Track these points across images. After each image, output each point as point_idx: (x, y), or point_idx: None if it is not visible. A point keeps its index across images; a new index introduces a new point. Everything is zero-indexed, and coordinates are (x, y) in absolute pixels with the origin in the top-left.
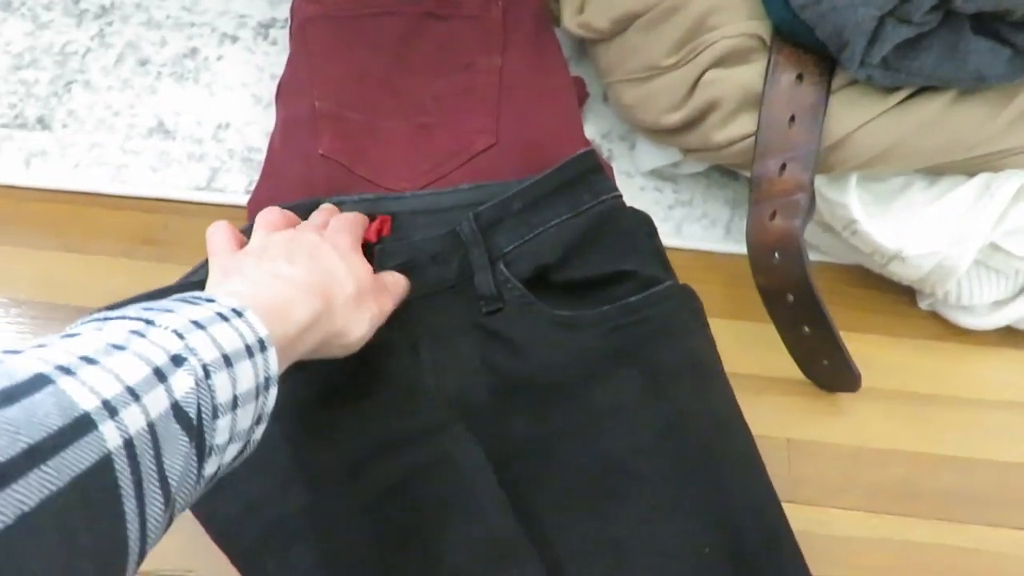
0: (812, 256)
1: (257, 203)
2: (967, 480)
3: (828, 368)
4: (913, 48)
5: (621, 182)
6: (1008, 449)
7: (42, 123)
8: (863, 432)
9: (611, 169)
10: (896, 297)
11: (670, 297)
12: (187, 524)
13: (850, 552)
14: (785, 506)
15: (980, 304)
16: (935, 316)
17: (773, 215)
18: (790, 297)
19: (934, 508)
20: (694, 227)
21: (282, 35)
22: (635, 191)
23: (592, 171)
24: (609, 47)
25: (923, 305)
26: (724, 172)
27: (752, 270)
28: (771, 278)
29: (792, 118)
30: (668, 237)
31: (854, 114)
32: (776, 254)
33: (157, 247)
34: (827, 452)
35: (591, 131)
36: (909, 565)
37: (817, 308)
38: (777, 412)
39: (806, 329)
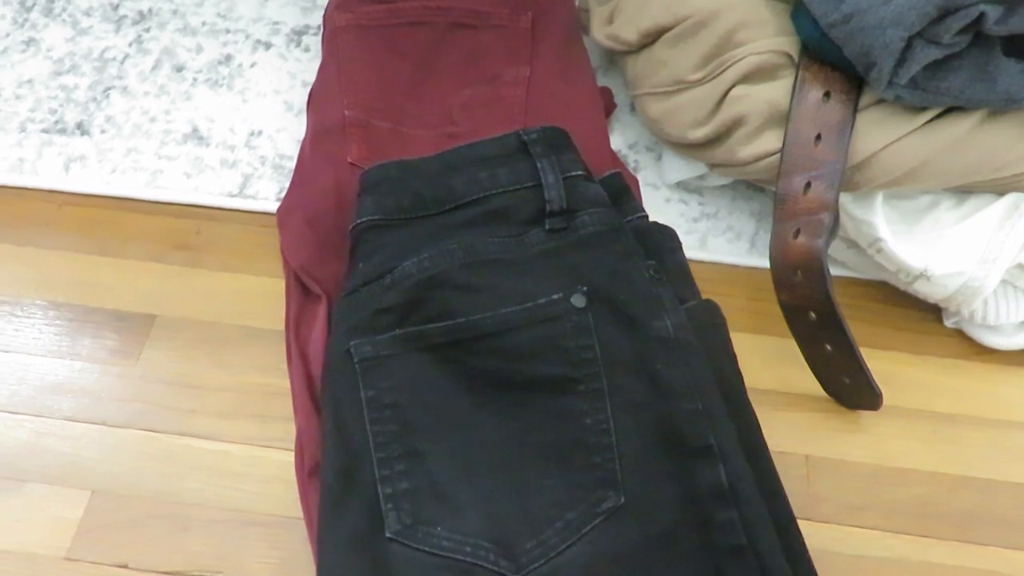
0: (837, 271)
1: (287, 210)
2: (987, 501)
3: (849, 386)
4: (942, 69)
5: (647, 193)
6: None
7: (81, 128)
8: (882, 450)
9: (637, 181)
10: (921, 315)
11: (694, 317)
12: (217, 526)
13: (866, 571)
14: (802, 523)
15: (1007, 324)
16: (960, 335)
17: (797, 233)
18: (812, 315)
19: (953, 529)
20: (719, 240)
21: (315, 42)
22: (661, 203)
23: (620, 192)
24: (637, 59)
25: (948, 323)
26: (750, 185)
27: (775, 287)
28: (793, 296)
29: (818, 136)
30: (693, 250)
31: (881, 133)
32: (799, 272)
33: (189, 252)
34: (846, 470)
35: (618, 141)
36: None
37: (839, 327)
38: (797, 428)
39: (828, 347)
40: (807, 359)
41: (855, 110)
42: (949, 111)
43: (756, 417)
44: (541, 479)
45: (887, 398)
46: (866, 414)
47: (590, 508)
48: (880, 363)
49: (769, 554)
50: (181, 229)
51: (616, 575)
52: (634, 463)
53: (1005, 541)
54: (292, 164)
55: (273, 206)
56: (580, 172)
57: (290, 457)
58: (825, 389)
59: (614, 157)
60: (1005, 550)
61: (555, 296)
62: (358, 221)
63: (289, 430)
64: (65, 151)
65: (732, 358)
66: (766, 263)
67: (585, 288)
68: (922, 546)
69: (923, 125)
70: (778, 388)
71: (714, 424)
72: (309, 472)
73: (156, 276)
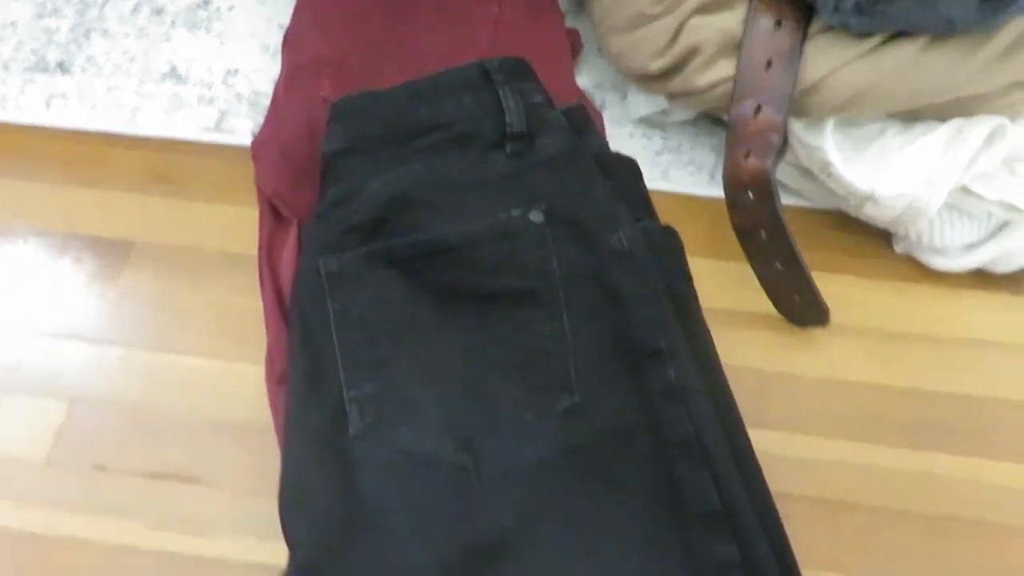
0: (795, 201)
1: (261, 143)
2: (929, 411)
3: (799, 304)
4: None
5: (612, 130)
6: (972, 383)
7: (62, 67)
8: (832, 365)
9: (602, 117)
10: (873, 241)
11: (650, 236)
12: (192, 434)
13: (809, 473)
14: (751, 430)
15: (952, 246)
16: (910, 259)
17: (747, 154)
18: (763, 234)
19: (895, 436)
20: (680, 172)
21: None
22: (625, 138)
23: (582, 122)
24: None
25: (898, 248)
26: (711, 120)
27: (728, 208)
28: (745, 216)
29: (769, 62)
30: (655, 181)
31: (828, 59)
32: (750, 192)
33: (168, 184)
34: (796, 383)
35: (585, 81)
36: (868, 487)
37: (787, 244)
38: (751, 345)
39: (778, 265)
40: (759, 278)
41: (804, 37)
42: (894, 37)
43: (708, 330)
44: (501, 384)
45: (839, 318)
46: (818, 332)
47: (547, 409)
48: (833, 286)
49: (715, 446)
50: (161, 162)
51: (570, 470)
52: (589, 367)
53: (943, 447)
54: (267, 102)
55: (248, 140)
56: (540, 99)
57: (262, 371)
58: (777, 308)
59: (579, 93)
60: (943, 455)
61: (514, 213)
62: (327, 148)
63: (261, 346)
64: (47, 88)
65: (687, 278)
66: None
67: (543, 205)
68: (864, 451)
69: (869, 51)
70: (734, 308)
71: (663, 328)
72: (278, 379)
73: (136, 206)
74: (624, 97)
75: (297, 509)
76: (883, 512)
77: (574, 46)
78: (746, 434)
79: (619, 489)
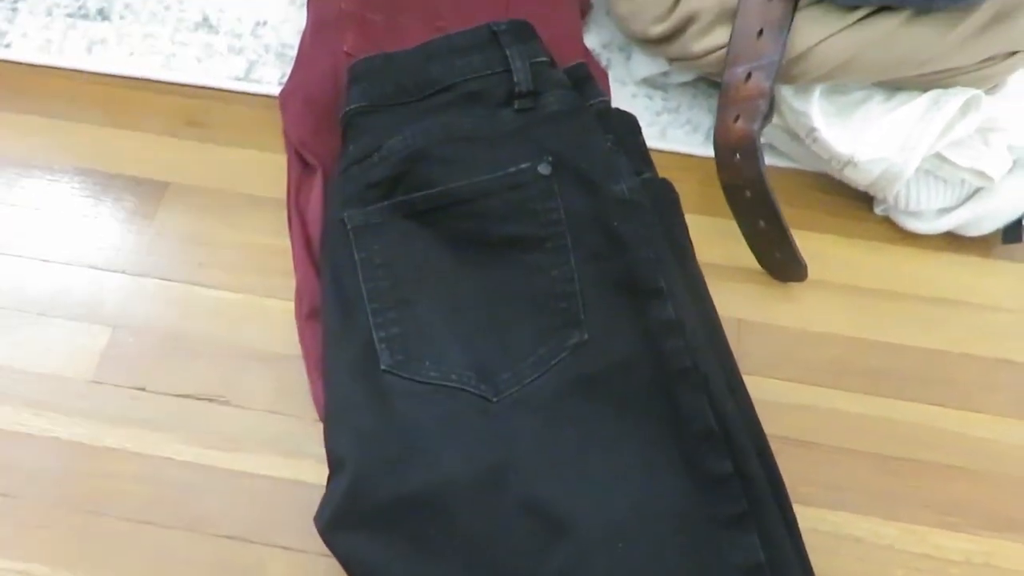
0: (782, 162)
1: (288, 93)
2: (895, 362)
3: (780, 260)
4: None
5: (616, 88)
6: (935, 337)
7: (102, 14)
8: (807, 317)
9: (606, 76)
10: (854, 203)
11: (649, 187)
12: (224, 360)
13: (779, 415)
14: None
15: (927, 210)
16: (888, 221)
17: (737, 118)
18: (748, 193)
19: (860, 383)
20: (677, 132)
21: None
22: (628, 97)
23: (583, 79)
24: None
25: (878, 210)
26: (710, 83)
27: (717, 168)
28: (732, 175)
29: (760, 31)
30: (653, 140)
31: (816, 29)
32: (737, 154)
33: (200, 128)
34: (772, 332)
35: (593, 40)
36: (831, 428)
37: (770, 204)
38: (734, 296)
39: (761, 223)
40: (744, 234)
41: (795, 8)
42: (878, 11)
43: (702, 273)
44: (516, 322)
45: (818, 274)
46: (796, 286)
47: (558, 344)
48: (814, 243)
49: (711, 375)
50: (193, 107)
51: (581, 397)
52: (595, 306)
53: (904, 394)
54: (294, 52)
55: (276, 89)
56: (545, 59)
57: (288, 305)
58: (760, 262)
59: (585, 51)
60: (902, 401)
61: (523, 165)
62: (348, 108)
63: (287, 283)
64: (88, 34)
65: (683, 226)
66: None
67: (550, 158)
68: (831, 396)
69: (854, 23)
70: (720, 262)
71: (663, 269)
72: (306, 315)
73: (170, 148)
74: (628, 58)
75: (340, 430)
76: (841, 451)
77: (584, 6)
78: (736, 364)
79: (625, 414)
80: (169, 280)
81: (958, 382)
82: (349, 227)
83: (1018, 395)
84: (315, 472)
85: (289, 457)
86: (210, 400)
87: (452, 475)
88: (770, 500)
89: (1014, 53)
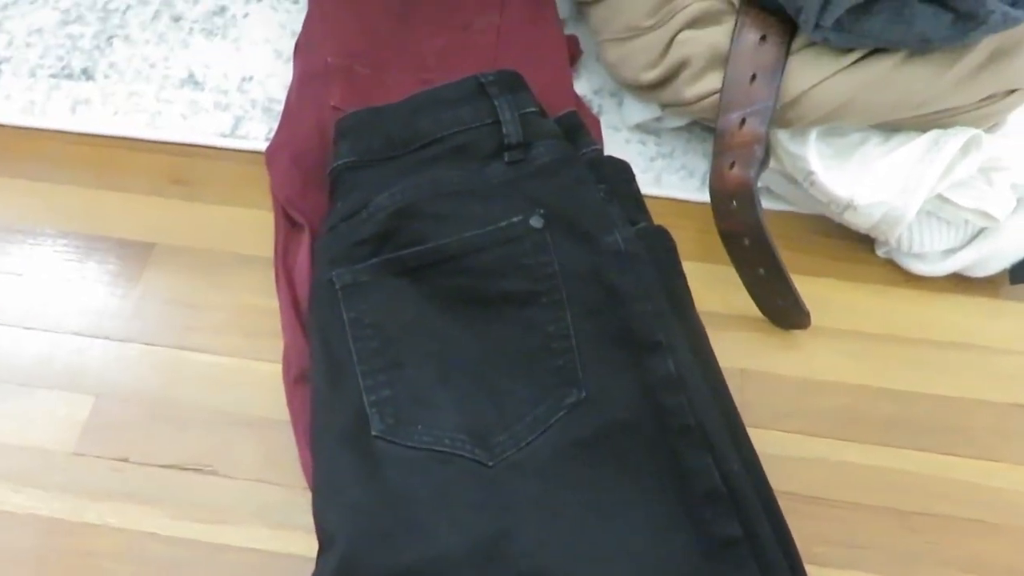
0: (780, 206)
1: (274, 150)
2: (904, 410)
3: (782, 307)
4: (864, 12)
5: (608, 135)
6: (946, 384)
7: (86, 73)
8: (812, 365)
9: (598, 123)
10: (855, 245)
11: (645, 237)
12: (211, 427)
13: (788, 469)
14: None
15: (931, 252)
16: (890, 263)
17: (732, 165)
18: (746, 240)
19: (870, 433)
20: (672, 177)
21: None
22: (621, 143)
23: (574, 128)
24: (599, 8)
25: (880, 253)
26: (704, 127)
27: (714, 215)
28: (730, 223)
29: (754, 76)
30: (648, 186)
31: (810, 73)
32: (734, 201)
33: (186, 187)
34: (776, 382)
35: (584, 87)
36: (842, 482)
37: (770, 251)
38: (735, 345)
39: (761, 271)
40: (744, 282)
41: (788, 52)
42: (872, 53)
43: (702, 324)
44: (511, 381)
45: (821, 320)
46: (799, 333)
47: (555, 403)
48: (816, 288)
49: (715, 433)
50: (178, 166)
51: (580, 458)
52: (593, 362)
53: (917, 444)
54: (280, 107)
55: (262, 145)
56: (534, 109)
57: (276, 368)
58: (761, 310)
59: (576, 99)
60: (916, 452)
61: (515, 219)
62: (335, 164)
63: (276, 344)
64: (72, 94)
65: (681, 275)
66: None
67: (542, 211)
68: (840, 448)
69: (848, 66)
70: (720, 310)
71: (661, 322)
72: (295, 379)
73: (155, 208)
74: (620, 104)
75: (329, 504)
76: (856, 507)
77: (573, 53)
78: (741, 420)
79: (627, 475)
80: (154, 345)
81: (972, 429)
82: (338, 286)
83: None
84: (305, 544)
85: (278, 528)
86: (196, 470)
87: (448, 548)
88: (782, 563)
89: (1014, 91)
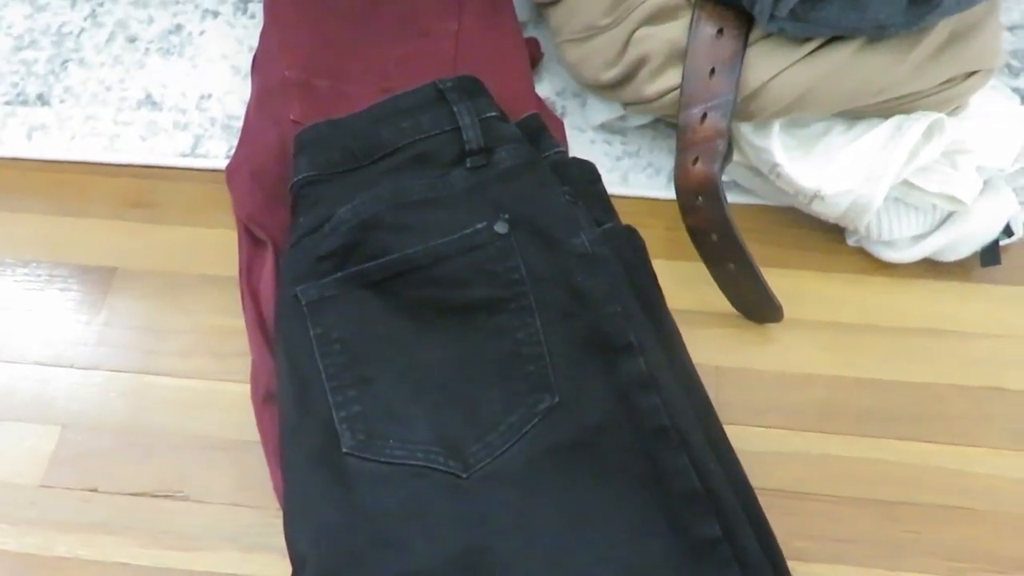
0: (748, 199)
1: (234, 168)
2: (882, 400)
3: (754, 301)
4: (818, 0)
5: (573, 136)
6: (922, 370)
7: (42, 99)
8: (787, 358)
9: (562, 125)
10: (826, 235)
11: (612, 237)
12: (180, 452)
13: (769, 465)
14: None
15: (901, 238)
16: (861, 252)
17: (696, 160)
18: (714, 236)
19: (849, 425)
20: (639, 176)
21: (259, 9)
22: (586, 144)
23: (537, 131)
24: (557, 9)
25: (851, 242)
26: (668, 124)
27: (681, 212)
28: (697, 219)
29: (712, 70)
30: (615, 186)
31: (769, 64)
32: (699, 197)
33: (147, 209)
34: (752, 377)
35: (546, 89)
36: (823, 476)
37: (738, 246)
38: (709, 342)
39: (731, 265)
40: (714, 278)
41: (745, 45)
42: (830, 42)
43: (675, 324)
44: (482, 391)
45: (794, 312)
46: (773, 327)
47: (528, 410)
48: (787, 281)
49: (691, 432)
50: (139, 188)
51: (556, 465)
52: (564, 367)
53: (896, 433)
54: (240, 124)
55: (223, 164)
56: (494, 113)
57: (246, 389)
58: (733, 305)
59: (538, 101)
60: (895, 441)
61: (479, 225)
62: (296, 179)
63: (244, 364)
64: (27, 120)
65: (651, 275)
66: None
67: (507, 216)
68: (820, 441)
69: (807, 56)
70: (693, 308)
71: (632, 323)
72: (263, 398)
73: (117, 232)
74: (584, 104)
75: (301, 525)
76: (837, 500)
77: (534, 56)
78: (717, 419)
79: (604, 479)
80: (120, 371)
81: (950, 416)
82: (303, 302)
83: (1013, 426)
84: (279, 568)
85: (251, 552)
86: (167, 496)
87: (424, 564)
88: (763, 561)
89: (973, 73)
